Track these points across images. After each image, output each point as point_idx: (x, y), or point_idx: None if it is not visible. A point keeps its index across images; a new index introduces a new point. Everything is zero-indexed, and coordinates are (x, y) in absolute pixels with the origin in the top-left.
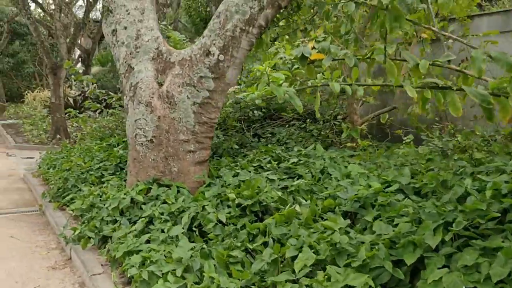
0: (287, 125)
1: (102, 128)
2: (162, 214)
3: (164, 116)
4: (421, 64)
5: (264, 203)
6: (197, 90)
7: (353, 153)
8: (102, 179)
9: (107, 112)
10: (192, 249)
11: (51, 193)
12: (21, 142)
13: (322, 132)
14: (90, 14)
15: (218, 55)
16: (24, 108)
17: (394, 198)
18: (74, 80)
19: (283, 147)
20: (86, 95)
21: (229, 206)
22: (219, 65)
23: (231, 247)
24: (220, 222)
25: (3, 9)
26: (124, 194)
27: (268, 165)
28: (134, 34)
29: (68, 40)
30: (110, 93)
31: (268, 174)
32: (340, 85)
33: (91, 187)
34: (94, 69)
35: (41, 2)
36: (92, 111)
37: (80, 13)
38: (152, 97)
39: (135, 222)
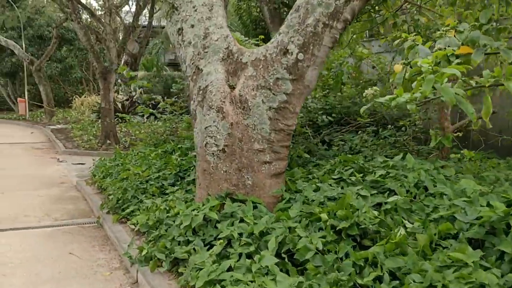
0: (358, 131)
1: (155, 133)
2: (241, 235)
3: (237, 122)
4: None
5: (363, 226)
6: (273, 94)
7: (445, 164)
8: (164, 190)
9: (155, 117)
10: (291, 285)
11: (110, 204)
12: (71, 148)
13: (399, 139)
14: (139, 18)
15: (297, 54)
16: (72, 113)
17: None
18: (120, 85)
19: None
20: (133, 100)
21: (321, 229)
22: (297, 65)
23: (337, 282)
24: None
25: (51, 15)
26: (195, 210)
27: (352, 178)
28: (202, 32)
29: (117, 44)
30: (156, 97)
31: (358, 190)
32: None
33: (152, 198)
34: (140, 73)
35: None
36: (140, 115)
37: (125, 19)
38: (224, 102)
39: (209, 243)
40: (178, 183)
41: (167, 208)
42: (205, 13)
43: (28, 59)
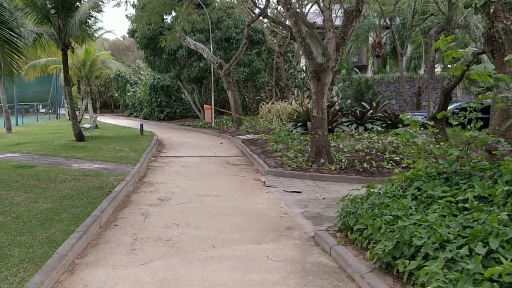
0: None
1: (435, 157)
2: None
3: None
4: None
5: None
6: None
7: None
8: None
9: (365, 129)
10: None
11: None
12: (275, 166)
13: None
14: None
15: None
16: (260, 121)
17: None
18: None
19: None
20: (338, 106)
21: None
22: None
23: None
24: None
25: (241, 15)
26: None
27: None
28: None
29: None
30: (364, 104)
31: None
32: None
33: None
34: None
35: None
36: (346, 126)
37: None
38: None
39: None
40: None
41: None
42: None
43: (217, 63)
